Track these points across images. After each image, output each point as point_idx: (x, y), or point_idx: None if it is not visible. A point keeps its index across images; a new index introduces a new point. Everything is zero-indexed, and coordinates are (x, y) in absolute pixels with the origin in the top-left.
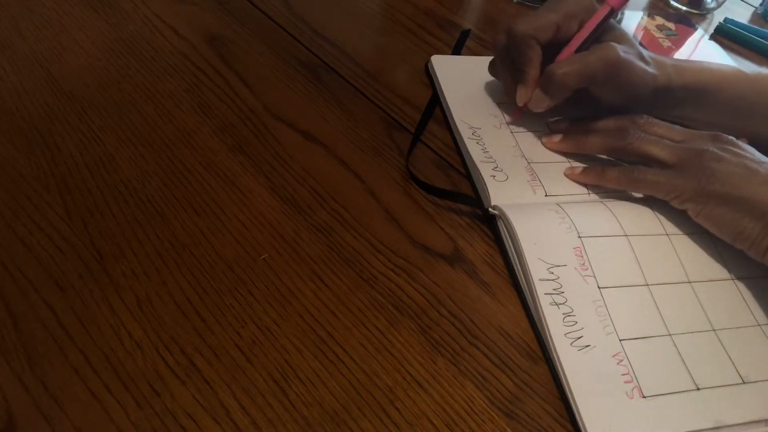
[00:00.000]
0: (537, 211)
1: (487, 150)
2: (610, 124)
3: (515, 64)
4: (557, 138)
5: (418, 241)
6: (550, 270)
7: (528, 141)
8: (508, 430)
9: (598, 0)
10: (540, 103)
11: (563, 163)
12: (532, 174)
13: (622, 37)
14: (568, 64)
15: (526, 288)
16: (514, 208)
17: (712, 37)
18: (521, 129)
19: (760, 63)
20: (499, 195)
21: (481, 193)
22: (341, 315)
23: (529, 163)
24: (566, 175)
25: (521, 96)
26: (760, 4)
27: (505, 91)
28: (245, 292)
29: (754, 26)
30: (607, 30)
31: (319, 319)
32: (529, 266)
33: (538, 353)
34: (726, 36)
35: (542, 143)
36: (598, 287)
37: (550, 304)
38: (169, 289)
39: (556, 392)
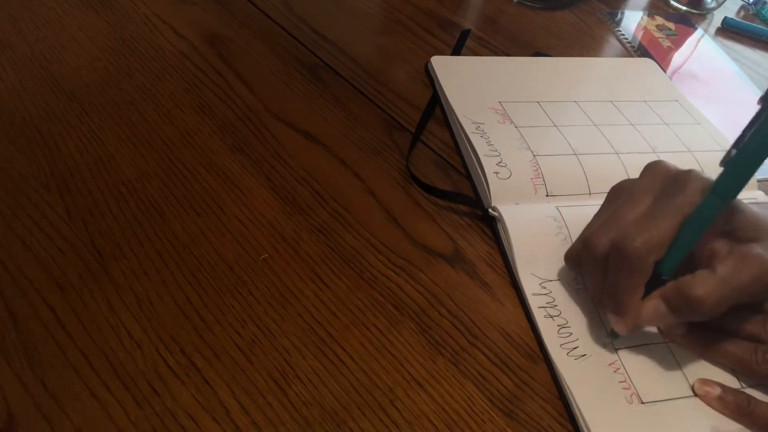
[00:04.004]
0: (535, 219)
1: (491, 143)
2: (744, 329)
3: (611, 283)
4: (681, 330)
5: (418, 241)
6: (543, 285)
7: (533, 134)
8: (508, 430)
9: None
10: (659, 320)
11: (569, 156)
12: (537, 169)
13: (755, 227)
14: (705, 283)
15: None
16: (513, 213)
17: (718, 32)
18: (526, 124)
19: (764, 56)
20: (500, 195)
21: (482, 193)
22: (341, 315)
23: (534, 156)
24: (699, 395)
25: (620, 328)
26: (752, 4)
27: (592, 299)
28: (245, 292)
29: (754, 25)
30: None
31: (319, 319)
32: (522, 282)
33: (538, 353)
34: (734, 28)
35: (660, 329)
36: (592, 299)
37: (544, 316)
38: (169, 289)
39: (556, 392)
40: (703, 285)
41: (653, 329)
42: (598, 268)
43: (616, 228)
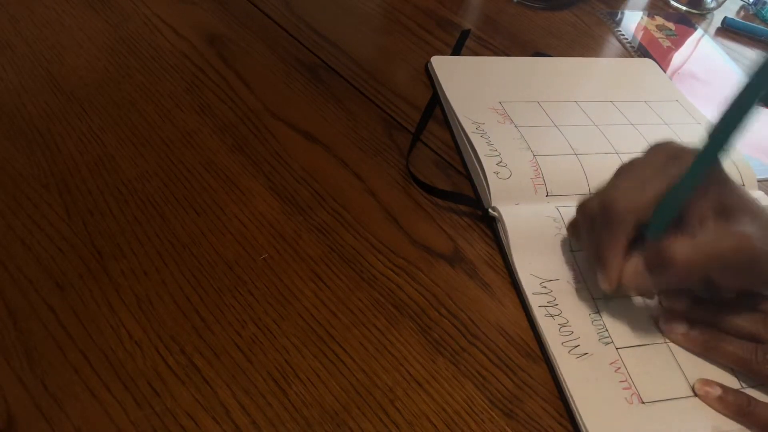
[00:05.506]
0: (535, 220)
1: (491, 143)
2: (744, 326)
3: (597, 240)
4: (681, 329)
5: (418, 241)
6: (543, 284)
7: (533, 134)
8: (508, 429)
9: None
10: (638, 279)
11: (569, 156)
12: (537, 169)
13: (750, 210)
14: (682, 245)
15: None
16: (513, 213)
17: (718, 32)
18: (526, 124)
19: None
20: (500, 195)
21: (481, 193)
22: (341, 315)
23: (534, 155)
24: (699, 395)
25: (605, 284)
26: (752, 4)
27: (588, 260)
28: (245, 292)
29: (754, 25)
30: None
31: (319, 319)
32: (522, 281)
33: (538, 353)
34: (734, 28)
35: (660, 329)
36: (593, 298)
37: (545, 315)
38: (169, 289)
39: (556, 392)
40: (680, 247)
41: (649, 338)
42: (592, 231)
43: (609, 193)
